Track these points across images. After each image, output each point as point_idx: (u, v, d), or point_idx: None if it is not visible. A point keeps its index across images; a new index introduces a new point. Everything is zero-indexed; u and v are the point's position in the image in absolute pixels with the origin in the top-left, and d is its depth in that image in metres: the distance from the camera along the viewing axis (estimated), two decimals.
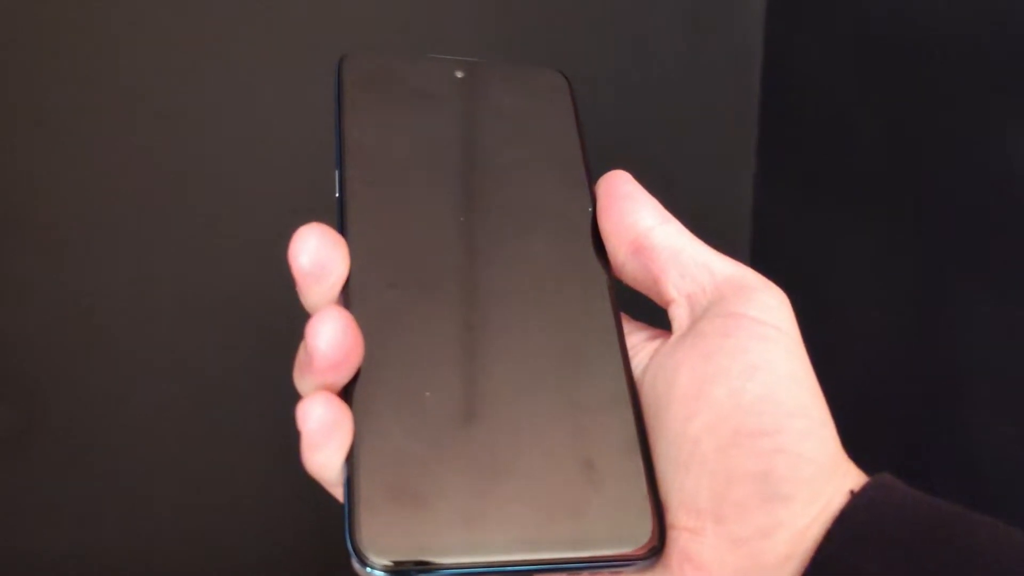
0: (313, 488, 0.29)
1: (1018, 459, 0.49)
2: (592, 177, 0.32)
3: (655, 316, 0.30)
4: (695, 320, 0.28)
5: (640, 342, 0.30)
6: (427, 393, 0.27)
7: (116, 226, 0.57)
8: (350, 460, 0.26)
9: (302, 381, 0.27)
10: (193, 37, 0.56)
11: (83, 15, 0.54)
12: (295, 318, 0.27)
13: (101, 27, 0.55)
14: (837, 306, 0.61)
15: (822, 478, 0.25)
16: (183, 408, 0.60)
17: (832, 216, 0.62)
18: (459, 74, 0.33)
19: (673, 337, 0.29)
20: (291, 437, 0.26)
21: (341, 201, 0.29)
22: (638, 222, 0.29)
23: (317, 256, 0.27)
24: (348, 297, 0.28)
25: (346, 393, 0.26)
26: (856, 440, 0.29)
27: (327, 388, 0.26)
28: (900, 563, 0.23)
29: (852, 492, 0.25)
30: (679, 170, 0.66)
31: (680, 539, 0.26)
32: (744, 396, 0.26)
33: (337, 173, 0.30)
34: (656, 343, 0.29)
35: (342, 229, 0.29)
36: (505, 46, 0.62)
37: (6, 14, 0.53)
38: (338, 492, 0.27)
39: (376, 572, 0.25)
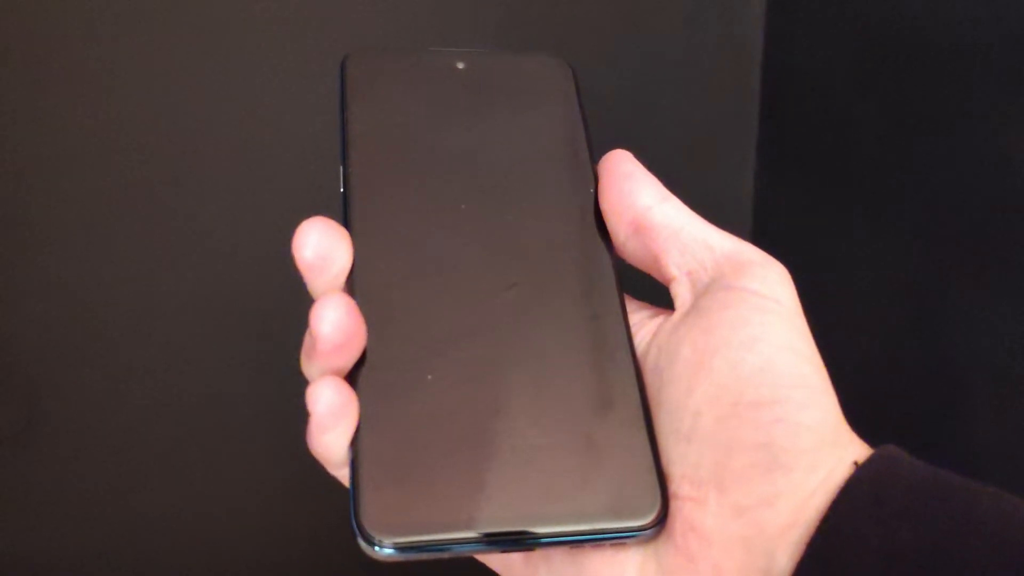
0: (313, 487, 0.29)
1: (1018, 458, 0.49)
2: (595, 158, 0.32)
3: (660, 295, 0.30)
4: (697, 297, 0.28)
5: (643, 320, 0.30)
6: (429, 376, 0.27)
7: (116, 226, 0.58)
8: (355, 442, 0.26)
9: (309, 366, 0.27)
10: (197, 34, 0.57)
11: (83, 14, 0.55)
12: (295, 319, 0.28)
13: (102, 26, 0.55)
14: (837, 304, 0.61)
15: (823, 447, 0.25)
16: (183, 408, 0.60)
17: (832, 214, 0.62)
18: (461, 65, 0.33)
19: (675, 314, 0.29)
20: (291, 435, 0.26)
21: (345, 195, 0.30)
22: (637, 201, 0.30)
23: (319, 248, 0.27)
24: (352, 286, 0.28)
25: (352, 378, 0.27)
26: (855, 435, 0.29)
27: (333, 372, 0.27)
28: (905, 533, 0.23)
29: (856, 463, 0.25)
30: (679, 168, 0.66)
31: (683, 509, 0.26)
32: (744, 367, 0.26)
33: (342, 168, 0.31)
34: (659, 320, 0.29)
35: (347, 222, 0.29)
36: (505, 45, 0.62)
37: (6, 14, 0.53)
38: (342, 474, 0.27)
39: (381, 550, 0.25)
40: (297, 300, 0.30)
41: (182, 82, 0.57)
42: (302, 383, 0.27)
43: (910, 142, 0.55)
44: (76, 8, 0.54)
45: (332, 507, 0.27)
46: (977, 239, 0.51)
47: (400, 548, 0.25)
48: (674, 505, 0.26)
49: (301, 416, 0.27)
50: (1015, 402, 0.49)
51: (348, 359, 0.27)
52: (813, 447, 0.25)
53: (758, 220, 0.68)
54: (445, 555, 0.25)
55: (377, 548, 0.25)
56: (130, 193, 0.57)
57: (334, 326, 0.26)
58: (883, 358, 0.58)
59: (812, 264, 0.63)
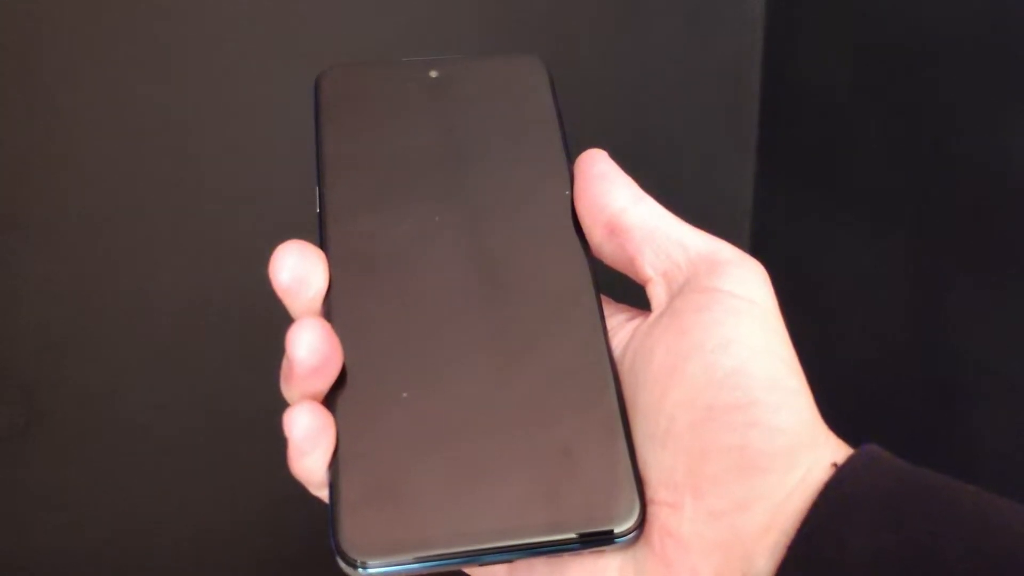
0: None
1: (1018, 458, 0.49)
2: (572, 158, 0.32)
3: (640, 297, 0.30)
4: (672, 297, 0.28)
5: (621, 323, 0.30)
6: (405, 394, 0.27)
7: (115, 226, 0.58)
8: (333, 464, 0.26)
9: (287, 390, 0.28)
10: (191, 49, 0.57)
11: (83, 17, 0.55)
12: (291, 319, 0.28)
13: (101, 30, 0.55)
14: (836, 304, 0.61)
15: (799, 449, 0.25)
16: (181, 408, 0.60)
17: (832, 215, 0.61)
18: (434, 74, 0.33)
19: (652, 316, 0.29)
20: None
21: (321, 216, 0.30)
22: (611, 203, 0.29)
23: (295, 271, 0.28)
24: (328, 308, 0.28)
25: (329, 400, 0.27)
26: (854, 437, 0.29)
27: (310, 395, 0.27)
28: (886, 534, 0.23)
29: (835, 464, 0.25)
30: (679, 170, 0.66)
31: (660, 514, 0.26)
32: (717, 370, 0.26)
33: (317, 189, 0.31)
34: (636, 323, 0.29)
35: (322, 243, 0.29)
36: (502, 47, 0.62)
37: (6, 15, 0.54)
38: (323, 495, 0.27)
39: (359, 570, 0.25)
40: None
41: (180, 86, 0.57)
42: None
43: (909, 144, 0.55)
44: (77, 10, 0.55)
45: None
46: (977, 240, 0.50)
47: (380, 568, 0.25)
48: (651, 510, 0.26)
49: None
50: (1015, 402, 0.49)
51: (324, 382, 0.27)
52: (788, 449, 0.25)
53: (757, 223, 0.68)
54: (425, 572, 0.25)
55: (359, 569, 0.25)
56: (129, 195, 0.58)
57: (309, 349, 0.26)
58: (883, 359, 0.58)
59: (812, 266, 0.63)
